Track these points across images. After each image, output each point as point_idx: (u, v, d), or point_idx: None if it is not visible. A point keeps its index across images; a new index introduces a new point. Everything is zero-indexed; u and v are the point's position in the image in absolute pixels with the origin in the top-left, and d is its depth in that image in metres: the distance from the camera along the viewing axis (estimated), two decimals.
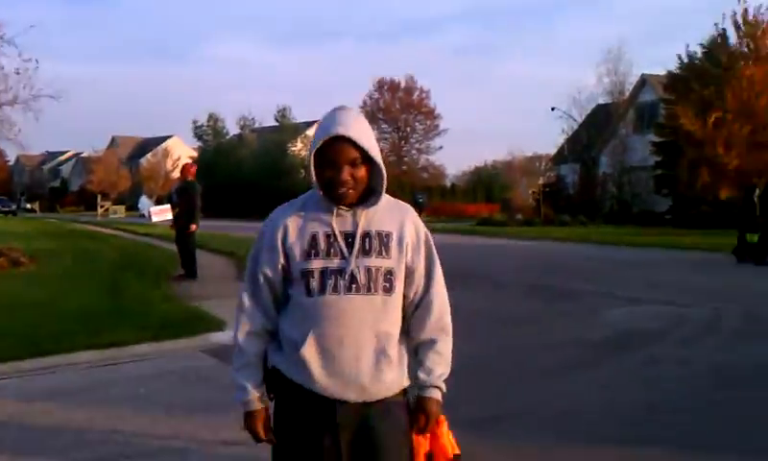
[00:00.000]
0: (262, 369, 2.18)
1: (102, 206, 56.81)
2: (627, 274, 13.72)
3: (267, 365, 2.19)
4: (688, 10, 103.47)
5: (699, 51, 32.04)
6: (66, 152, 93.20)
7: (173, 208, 12.82)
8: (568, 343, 7.30)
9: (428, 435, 2.23)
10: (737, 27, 29.93)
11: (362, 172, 2.06)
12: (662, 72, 34.19)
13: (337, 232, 2.08)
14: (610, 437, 4.44)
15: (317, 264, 2.06)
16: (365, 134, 2.06)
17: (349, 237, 2.08)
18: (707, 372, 6.06)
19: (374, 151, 2.07)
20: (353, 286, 2.05)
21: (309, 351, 2.04)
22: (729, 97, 28.54)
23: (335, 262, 2.06)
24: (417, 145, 59.66)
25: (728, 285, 11.95)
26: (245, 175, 50.95)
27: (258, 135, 55.92)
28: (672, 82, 32.28)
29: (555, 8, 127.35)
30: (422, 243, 2.18)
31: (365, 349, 2.06)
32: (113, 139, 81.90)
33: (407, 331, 2.19)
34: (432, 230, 2.37)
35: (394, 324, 2.13)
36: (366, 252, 2.07)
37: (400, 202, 2.23)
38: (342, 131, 2.02)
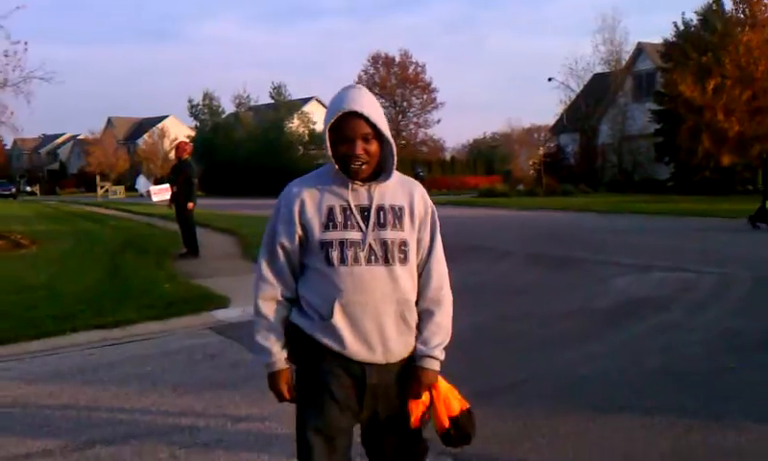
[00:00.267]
0: (283, 333, 2.26)
1: (101, 187, 56.77)
2: (633, 241, 13.64)
3: (287, 328, 2.27)
4: None
5: (695, 18, 31.81)
6: (62, 134, 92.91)
7: (171, 187, 12.73)
8: (577, 312, 7.25)
9: (425, 400, 2.28)
10: None
11: (374, 147, 2.18)
12: (658, 40, 33.98)
13: (353, 206, 2.19)
14: (622, 405, 4.38)
15: (335, 235, 2.17)
16: (375, 111, 2.18)
17: (365, 211, 2.20)
18: (718, 338, 5.99)
19: (385, 127, 2.18)
20: (372, 257, 2.17)
21: (339, 320, 2.16)
22: (727, 63, 28.39)
23: (352, 234, 2.17)
24: (414, 119, 59.61)
25: (737, 251, 11.86)
26: (243, 153, 50.74)
27: (255, 113, 55.58)
28: (669, 50, 32.06)
29: None
30: (428, 217, 2.30)
31: (386, 315, 2.19)
32: (109, 120, 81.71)
33: None
34: (435, 204, 2.42)
35: (410, 291, 2.25)
36: (381, 224, 2.19)
37: (408, 177, 2.35)
38: (355, 106, 2.13)
